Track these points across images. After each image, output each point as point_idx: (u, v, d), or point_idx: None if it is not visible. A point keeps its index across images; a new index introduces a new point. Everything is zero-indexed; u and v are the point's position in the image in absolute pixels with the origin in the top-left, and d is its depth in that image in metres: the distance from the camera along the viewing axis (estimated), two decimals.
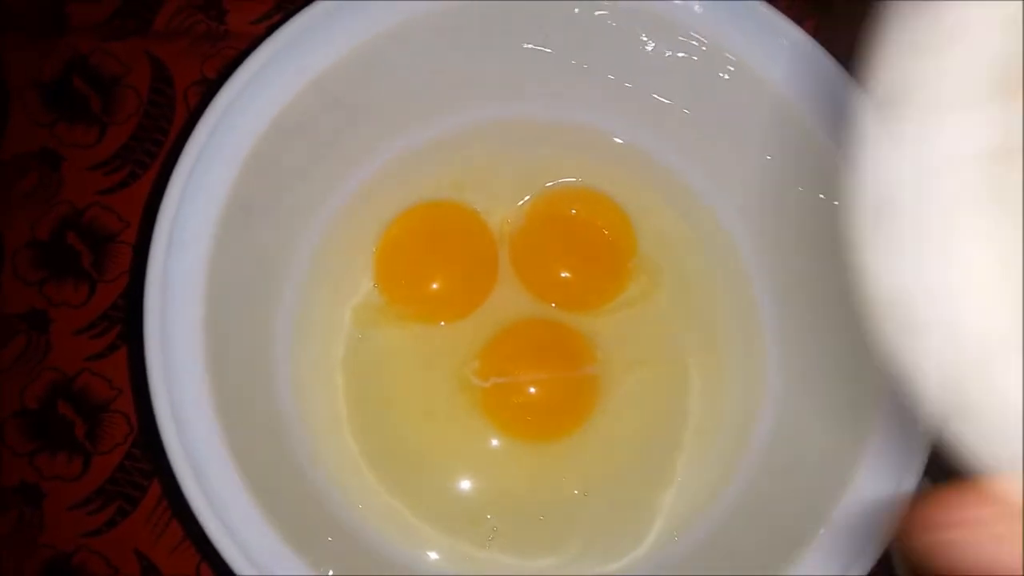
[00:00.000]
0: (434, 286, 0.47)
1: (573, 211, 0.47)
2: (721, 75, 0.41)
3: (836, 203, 0.39)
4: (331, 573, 0.37)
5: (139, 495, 0.49)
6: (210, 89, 0.54)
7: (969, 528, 0.21)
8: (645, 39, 0.41)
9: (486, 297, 0.47)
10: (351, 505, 0.43)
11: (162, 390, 0.36)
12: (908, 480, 0.36)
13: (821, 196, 0.40)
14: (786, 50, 0.39)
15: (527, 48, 0.43)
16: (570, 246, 0.47)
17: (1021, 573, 0.20)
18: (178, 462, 0.35)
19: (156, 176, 0.53)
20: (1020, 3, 0.18)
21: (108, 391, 0.50)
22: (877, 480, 0.36)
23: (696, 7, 0.40)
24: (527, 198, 0.48)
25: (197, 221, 0.37)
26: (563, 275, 0.47)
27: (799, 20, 0.40)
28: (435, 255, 0.47)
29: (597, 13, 0.41)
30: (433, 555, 0.43)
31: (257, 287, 0.42)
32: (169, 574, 0.48)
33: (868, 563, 0.35)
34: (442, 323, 0.47)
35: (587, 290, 0.47)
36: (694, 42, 0.40)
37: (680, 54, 0.41)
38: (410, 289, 0.47)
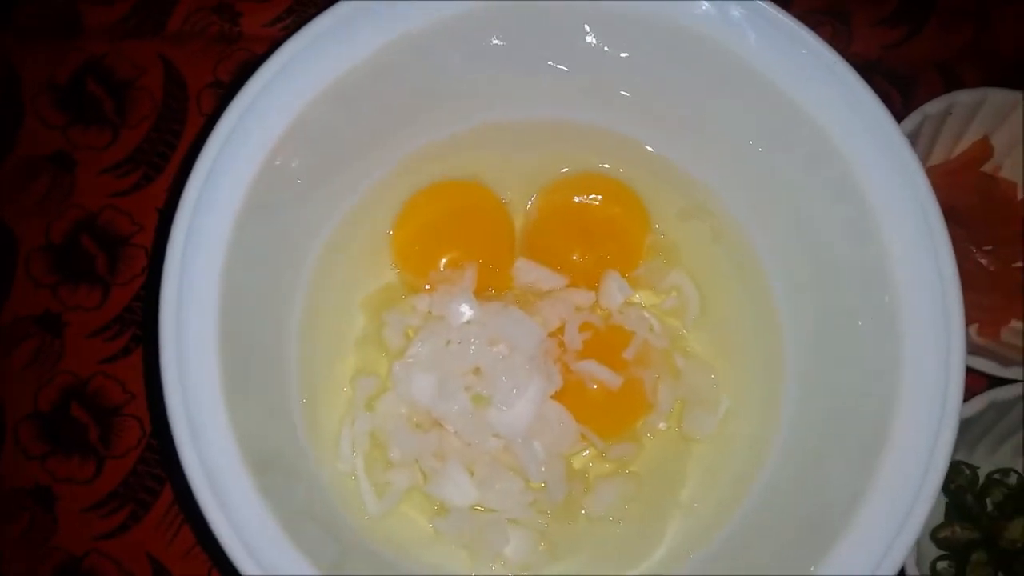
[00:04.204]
0: (447, 259, 0.47)
1: (587, 197, 0.47)
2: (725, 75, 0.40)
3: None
4: None
5: (152, 499, 0.49)
6: (224, 92, 0.54)
7: None
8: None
9: (506, 271, 0.47)
10: (357, 512, 0.43)
11: (176, 393, 0.35)
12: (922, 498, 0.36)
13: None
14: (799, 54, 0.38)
15: (539, 56, 0.43)
16: (583, 228, 0.47)
17: None
18: (191, 467, 0.35)
19: (170, 179, 0.53)
20: None
21: (122, 394, 0.50)
22: (889, 502, 0.36)
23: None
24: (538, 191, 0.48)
25: (214, 222, 0.37)
26: (574, 257, 0.47)
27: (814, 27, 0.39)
28: (454, 228, 0.47)
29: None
30: (437, 562, 0.43)
31: (270, 287, 0.42)
32: None
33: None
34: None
35: (601, 266, 0.47)
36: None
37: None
38: (427, 259, 0.47)
